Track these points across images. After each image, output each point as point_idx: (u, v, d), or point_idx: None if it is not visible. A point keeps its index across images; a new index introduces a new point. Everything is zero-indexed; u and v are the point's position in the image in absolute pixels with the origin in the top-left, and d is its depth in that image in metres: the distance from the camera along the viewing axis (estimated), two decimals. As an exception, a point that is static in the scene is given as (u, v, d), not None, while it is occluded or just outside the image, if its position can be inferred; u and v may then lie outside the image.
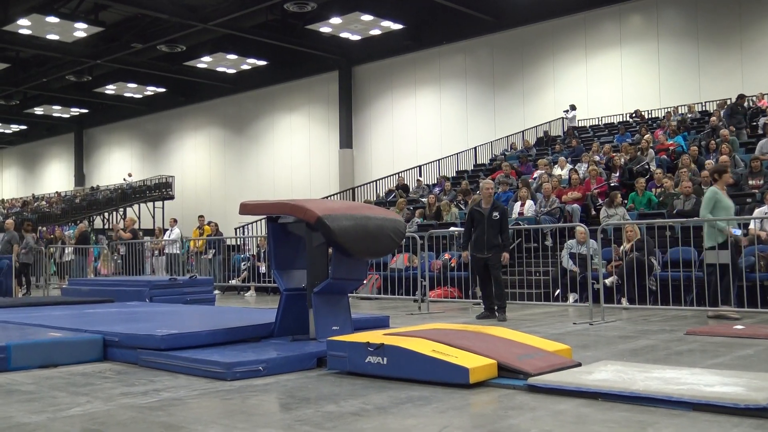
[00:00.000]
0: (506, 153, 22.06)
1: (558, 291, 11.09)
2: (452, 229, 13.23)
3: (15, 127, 43.45)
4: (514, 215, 13.81)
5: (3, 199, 43.86)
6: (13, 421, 3.78)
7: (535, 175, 16.80)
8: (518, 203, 14.15)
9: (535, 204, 13.88)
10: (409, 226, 13.85)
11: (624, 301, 9.80)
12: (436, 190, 19.37)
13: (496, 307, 9.06)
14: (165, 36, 25.74)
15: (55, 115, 40.10)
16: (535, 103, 24.75)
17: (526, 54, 25.09)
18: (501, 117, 25.24)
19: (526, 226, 12.12)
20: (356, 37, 26.70)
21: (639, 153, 15.51)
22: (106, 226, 33.64)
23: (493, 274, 9.07)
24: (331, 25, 25.50)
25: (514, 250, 12.18)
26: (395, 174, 23.34)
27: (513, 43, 25.31)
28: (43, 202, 37.48)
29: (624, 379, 4.15)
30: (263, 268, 15.35)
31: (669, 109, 21.28)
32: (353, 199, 23.75)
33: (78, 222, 29.89)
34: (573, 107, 23.29)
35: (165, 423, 3.69)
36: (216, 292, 13.71)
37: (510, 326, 6.76)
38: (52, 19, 24.48)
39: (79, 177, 42.50)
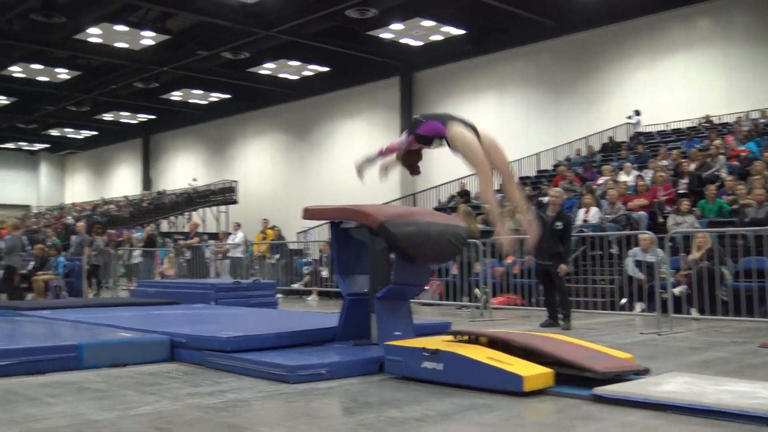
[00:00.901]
0: (570, 159, 21.77)
1: (624, 300, 10.87)
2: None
3: (86, 133, 44.80)
4: (578, 222, 13.62)
5: (74, 203, 45.28)
6: (84, 418, 3.90)
7: (599, 182, 16.53)
8: (582, 210, 13.94)
9: (600, 211, 13.67)
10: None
11: (694, 311, 9.55)
12: (498, 196, 19.21)
13: (560, 316, 8.95)
14: (229, 43, 26.21)
15: (123, 121, 41.20)
16: (599, 108, 24.36)
17: (590, 58, 24.73)
18: (564, 123, 24.91)
19: (591, 233, 11.94)
20: (417, 43, 26.74)
21: (708, 159, 15.10)
22: (172, 229, 34.39)
23: (557, 281, 8.97)
24: (392, 31, 25.60)
25: (578, 257, 12.02)
26: (456, 180, 23.23)
27: (576, 48, 24.98)
28: (112, 206, 38.53)
29: (694, 391, 4.04)
30: (325, 272, 15.47)
31: (740, 115, 20.68)
32: (414, 205, 23.74)
33: (145, 225, 30.64)
34: (637, 112, 22.84)
35: (230, 424, 3.76)
36: (279, 295, 13.87)
37: (574, 335, 6.67)
38: (121, 28, 25.19)
39: (146, 181, 43.58)
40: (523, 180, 21.49)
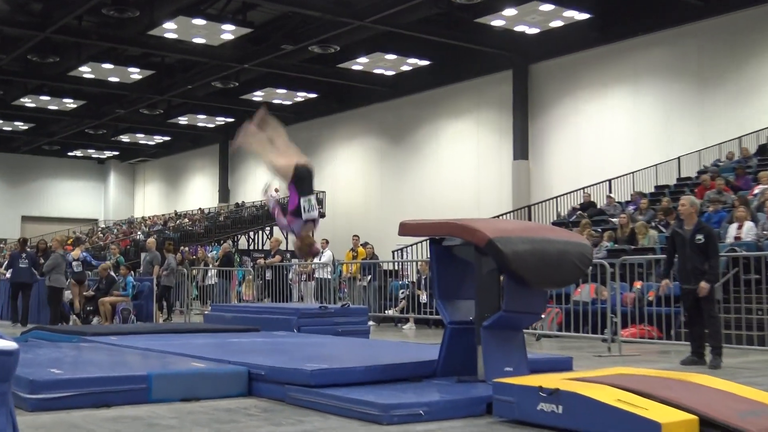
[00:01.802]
0: (718, 164, 21.12)
1: (786, 334, 10.44)
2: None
3: (158, 139, 46.45)
4: (729, 239, 13.19)
5: (144, 216, 47.02)
6: (154, 458, 4.02)
7: (755, 191, 15.97)
8: (734, 225, 13.50)
9: (756, 226, 13.18)
10: (596, 251, 13.53)
11: None
12: (630, 208, 18.84)
13: (708, 350, 8.65)
14: (317, 36, 26.69)
15: (199, 124, 42.47)
16: (754, 103, 23.50)
17: (743, 44, 23.90)
18: (711, 121, 24.14)
19: (745, 252, 11.52)
20: (534, 31, 26.50)
21: None
22: (251, 246, 35.18)
23: (705, 309, 8.67)
24: (505, 17, 25.46)
25: (729, 282, 11.61)
26: (579, 189, 22.85)
27: (726, 32, 24.19)
28: (186, 220, 39.74)
29: None
30: (424, 297, 15.46)
31: None
32: (530, 219, 23.49)
33: (221, 242, 31.49)
34: (803, 108, 21.95)
35: (315, 469, 3.79)
36: (371, 323, 13.97)
37: (723, 375, 6.42)
38: (199, 21, 26.05)
39: (224, 192, 44.77)
40: (661, 189, 20.97)
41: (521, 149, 28.93)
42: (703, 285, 8.63)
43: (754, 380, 7.07)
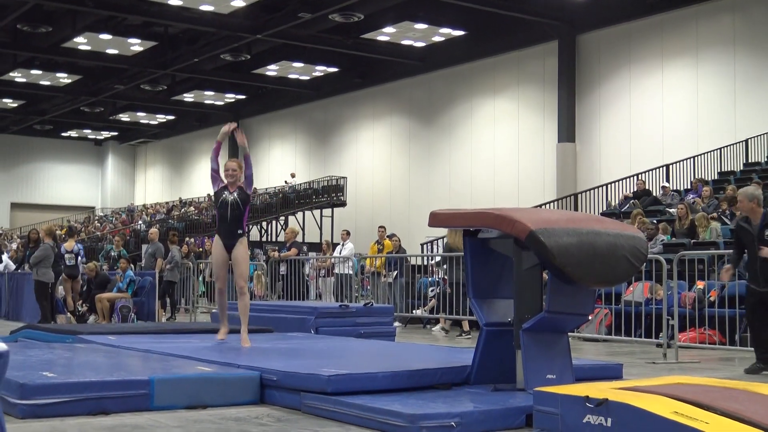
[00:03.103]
0: (791, 148, 20.97)
1: None
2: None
3: (161, 117, 46.73)
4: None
5: (146, 204, 47.36)
6: (155, 471, 4.07)
7: (832, 179, 15.84)
8: (808, 217, 13.35)
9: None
10: (651, 245, 13.46)
11: None
12: (690, 197, 18.71)
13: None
14: (338, 3, 26.70)
15: (207, 102, 42.68)
16: (835, 78, 23.28)
17: (822, 11, 23.65)
18: (784, 98, 23.95)
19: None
20: (582, -4, 26.42)
21: None
22: (264, 238, 35.33)
23: None
24: (550, -20, 25.40)
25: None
26: (633, 176, 22.71)
27: (802, -3, 23.97)
28: (192, 208, 39.95)
29: None
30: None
31: None
32: (576, 209, 23.40)
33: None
34: None
35: (333, 485, 3.82)
36: (397, 324, 14.00)
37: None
38: (208, -15, 26.19)
39: (234, 177, 44.95)
40: (726, 176, 20.81)
41: (567, 131, 28.79)
42: None
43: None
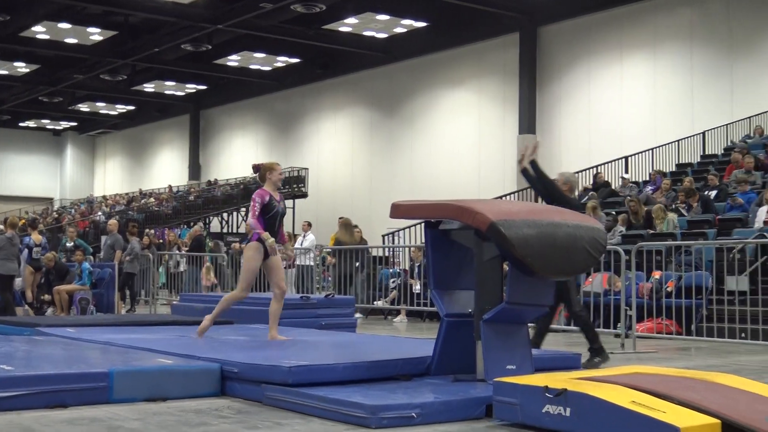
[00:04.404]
0: (748, 140, 21.16)
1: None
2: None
3: (121, 108, 46.29)
4: (758, 224, 13.26)
5: (105, 195, 46.91)
6: (114, 464, 4.04)
7: (787, 171, 16.09)
8: (764, 208, 13.56)
9: (787, 210, 13.28)
10: (610, 236, 13.57)
11: None
12: (648, 189, 18.87)
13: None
14: (300, -8, 26.60)
15: (167, 92, 42.34)
16: (790, 72, 23.57)
17: (778, 6, 23.92)
18: (740, 92, 24.17)
19: (774, 239, 11.58)
20: (543, -12, 26.54)
21: None
22: (225, 229, 35.15)
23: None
24: (511, -27, 25.47)
25: (757, 271, 11.69)
26: (592, 167, 22.86)
27: (759, -9, 24.23)
28: (152, 199, 39.67)
29: None
30: (418, 286, 15.50)
31: None
32: (536, 201, 23.52)
33: (192, 224, 31.46)
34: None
35: (294, 477, 3.81)
36: (358, 315, 14.01)
37: (749, 374, 6.48)
38: (167, -25, 25.97)
39: (194, 169, 44.69)
40: (683, 168, 21.00)
41: (528, 122, 28.93)
42: None
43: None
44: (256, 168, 8.51)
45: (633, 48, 26.70)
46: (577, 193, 8.62)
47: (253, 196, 8.22)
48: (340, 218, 18.31)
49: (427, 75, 32.72)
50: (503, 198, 22.58)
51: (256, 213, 8.09)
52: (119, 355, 7.01)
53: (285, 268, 17.90)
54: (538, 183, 8.15)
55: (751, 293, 11.65)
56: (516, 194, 24.63)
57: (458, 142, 31.13)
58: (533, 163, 8.08)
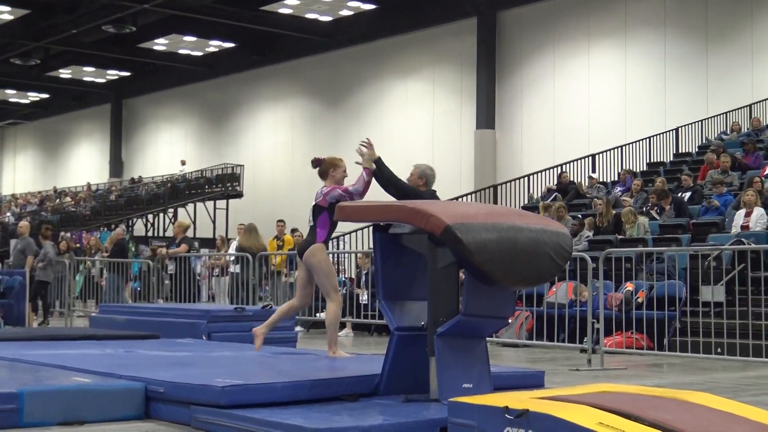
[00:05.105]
0: (724, 137, 21.45)
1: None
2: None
3: (34, 96, 45.71)
4: (735, 229, 13.43)
5: (15, 194, 46.25)
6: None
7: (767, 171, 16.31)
8: (741, 212, 13.75)
9: (767, 213, 13.46)
10: (575, 241, 13.67)
11: None
12: (618, 190, 19.04)
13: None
14: (235, -30, 26.53)
15: (86, 79, 41.91)
16: (769, 64, 23.99)
17: (757, -7, 24.34)
18: (716, 85, 24.54)
19: (753, 246, 11.73)
20: (504, -31, 26.72)
21: None
22: (151, 233, 34.84)
23: None
24: (468, -49, 25.60)
25: (734, 280, 11.83)
26: (556, 166, 23.02)
27: (736, -24, 24.62)
28: (68, 199, 39.20)
29: None
30: (365, 297, 15.49)
31: None
32: (495, 202, 23.65)
33: (113, 226, 31.12)
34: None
35: None
36: (298, 329, 13.96)
37: (725, 393, 6.57)
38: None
39: (116, 165, 44.28)
40: (655, 167, 21.23)
41: (486, 116, 29.08)
42: None
43: (759, 399, 7.23)
44: (317, 162, 8.20)
45: (602, 36, 26.98)
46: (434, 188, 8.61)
47: (330, 187, 7.94)
48: (239, 225, 18.71)
49: (376, 63, 32.77)
50: (460, 199, 22.66)
51: (349, 189, 7.87)
52: (30, 374, 6.90)
53: (215, 275, 17.93)
54: (389, 184, 8.07)
55: (728, 304, 11.78)
56: (474, 195, 24.74)
57: (410, 138, 31.19)
58: (378, 162, 8.05)
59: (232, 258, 17.27)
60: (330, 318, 8.30)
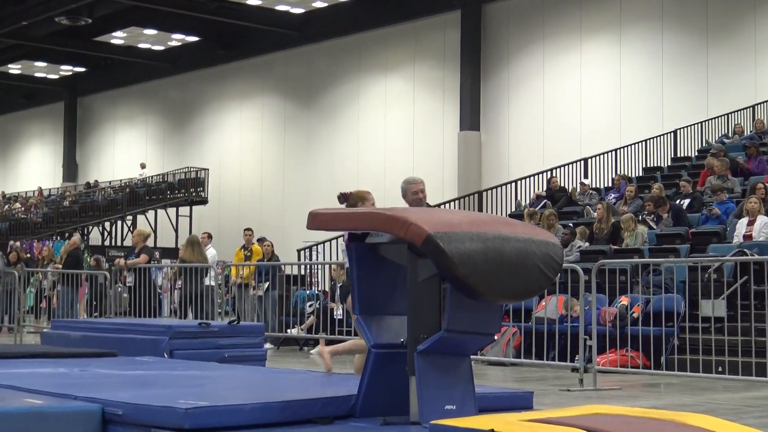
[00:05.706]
0: (725, 140, 21.56)
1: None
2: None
3: (-21, 93, 45.56)
4: (737, 239, 13.50)
5: (-40, 200, 46.05)
6: None
7: (772, 177, 16.43)
8: (744, 220, 13.83)
9: (771, 222, 13.59)
10: (566, 252, 13.72)
11: None
12: (611, 197, 19.11)
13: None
14: (200, -42, 26.53)
15: (37, 75, 41.76)
16: (774, 62, 24.15)
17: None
18: (717, 85, 24.70)
19: (757, 257, 11.80)
20: (490, -41, 26.81)
21: None
22: (108, 242, 34.72)
23: None
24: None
25: (736, 294, 11.89)
26: (546, 171, 23.09)
27: (739, -32, 24.80)
28: (17, 205, 38.99)
29: None
30: (340, 311, 15.49)
31: None
32: (480, 209, 23.69)
33: (67, 235, 30.98)
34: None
35: None
36: (268, 346, 13.95)
37: (726, 414, 6.61)
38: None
39: (70, 168, 44.09)
40: (651, 172, 21.32)
41: (471, 117, 29.15)
42: None
43: (763, 421, 7.28)
44: (344, 197, 8.30)
45: (595, 31, 27.11)
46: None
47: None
48: (203, 234, 18.87)
49: (352, 59, 32.79)
50: (442, 206, 22.72)
51: None
52: (-24, 395, 6.88)
53: (178, 288, 17.89)
54: None
55: (729, 320, 11.82)
56: (457, 201, 24.80)
57: (389, 139, 31.24)
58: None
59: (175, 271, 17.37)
60: (357, 347, 8.64)
